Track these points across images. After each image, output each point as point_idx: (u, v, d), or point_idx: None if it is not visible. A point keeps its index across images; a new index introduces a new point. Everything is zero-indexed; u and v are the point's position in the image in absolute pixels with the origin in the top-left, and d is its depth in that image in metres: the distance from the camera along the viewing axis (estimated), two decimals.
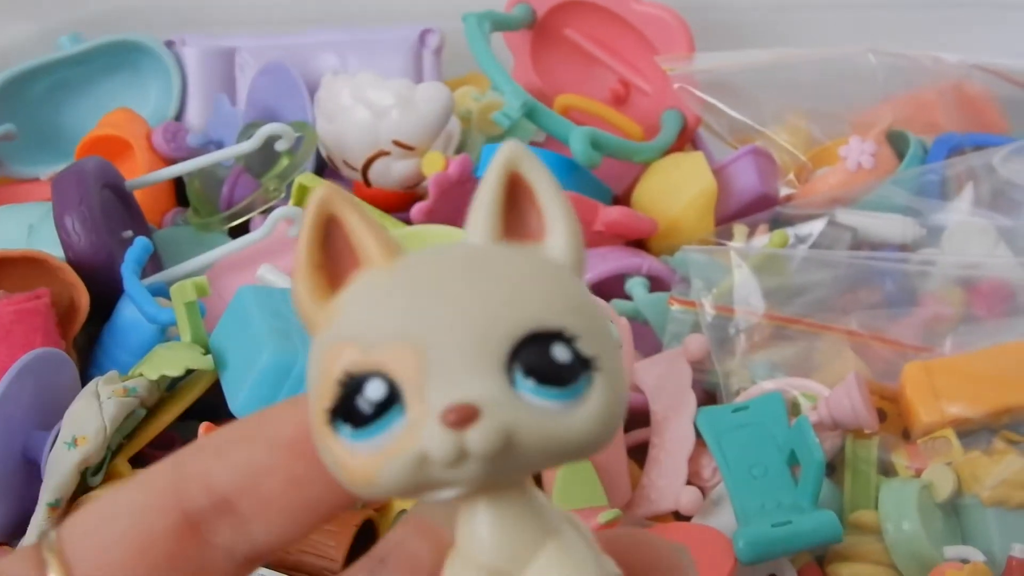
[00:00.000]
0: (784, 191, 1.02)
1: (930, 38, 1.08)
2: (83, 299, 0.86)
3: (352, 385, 0.26)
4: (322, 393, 0.27)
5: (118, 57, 1.13)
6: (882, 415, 0.82)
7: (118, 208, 0.95)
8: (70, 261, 0.88)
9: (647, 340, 0.90)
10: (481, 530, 0.27)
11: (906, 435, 0.82)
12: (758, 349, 0.86)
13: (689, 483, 0.81)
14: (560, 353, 0.26)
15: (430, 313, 0.26)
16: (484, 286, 0.27)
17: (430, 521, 0.30)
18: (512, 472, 0.26)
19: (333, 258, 0.29)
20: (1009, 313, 0.87)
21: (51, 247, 0.89)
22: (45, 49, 1.13)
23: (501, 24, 1.09)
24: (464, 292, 0.27)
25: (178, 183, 1.07)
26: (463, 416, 0.25)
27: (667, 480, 0.81)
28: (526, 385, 0.26)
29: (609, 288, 0.91)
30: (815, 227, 0.95)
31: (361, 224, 0.28)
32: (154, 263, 0.93)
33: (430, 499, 0.27)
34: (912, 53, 1.07)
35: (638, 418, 0.85)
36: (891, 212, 0.96)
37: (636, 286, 0.91)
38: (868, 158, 0.99)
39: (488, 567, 0.27)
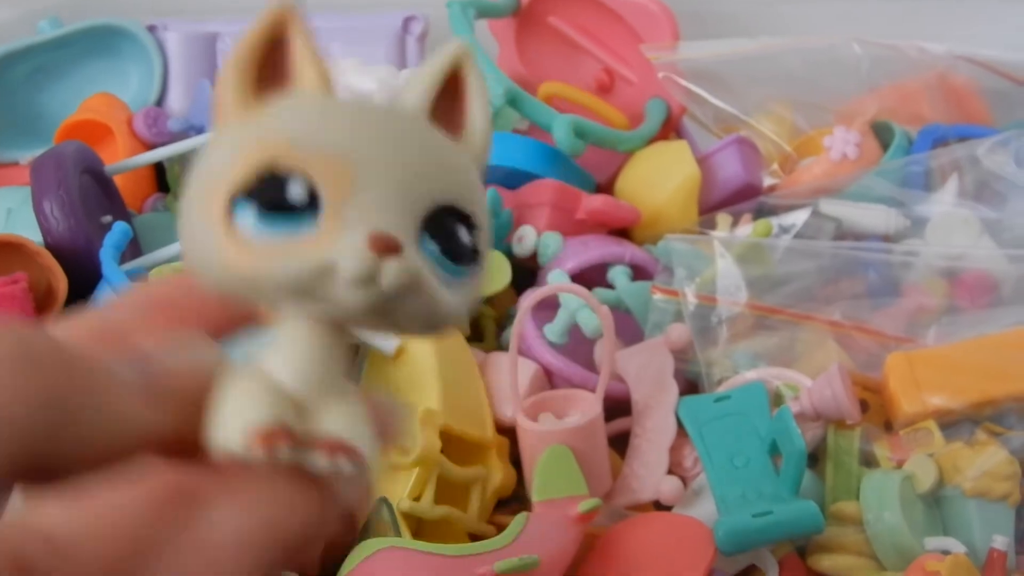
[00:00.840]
0: (768, 181, 1.02)
1: (915, 29, 1.08)
2: (61, 284, 0.86)
3: (270, 179, 0.26)
4: (231, 176, 0.26)
5: (99, 41, 1.13)
6: (864, 406, 0.81)
7: (98, 193, 0.94)
8: (48, 246, 0.87)
9: (629, 329, 0.90)
10: (295, 351, 0.27)
11: (888, 426, 0.81)
12: (740, 339, 0.86)
13: (670, 473, 0.80)
14: (464, 235, 0.27)
15: (372, 140, 0.27)
16: (425, 141, 0.28)
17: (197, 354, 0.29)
18: (386, 320, 0.27)
19: (267, 70, 0.28)
20: (992, 304, 0.87)
21: (30, 232, 0.88)
22: (25, 33, 1.12)
23: (486, 11, 1.08)
24: (406, 137, 0.27)
25: (159, 168, 1.07)
26: (389, 245, 0.26)
27: (648, 470, 0.81)
28: (429, 248, 0.27)
29: (591, 277, 0.90)
30: (799, 217, 0.94)
31: (307, 49, 0.28)
32: (134, 249, 0.93)
33: (288, 306, 0.27)
34: (897, 43, 1.06)
35: (619, 407, 0.85)
36: (875, 203, 0.95)
37: (618, 275, 0.91)
38: (852, 148, 0.99)
39: (284, 390, 0.27)
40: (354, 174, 0.26)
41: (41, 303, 0.85)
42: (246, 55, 0.28)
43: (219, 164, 0.26)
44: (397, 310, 0.27)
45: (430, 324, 0.28)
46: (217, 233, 0.26)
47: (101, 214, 0.93)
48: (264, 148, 0.26)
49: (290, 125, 0.27)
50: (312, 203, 0.26)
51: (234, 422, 0.26)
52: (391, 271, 0.26)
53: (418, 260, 0.26)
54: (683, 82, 1.04)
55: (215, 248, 0.26)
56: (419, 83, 0.30)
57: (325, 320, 0.27)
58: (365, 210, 0.26)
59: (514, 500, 0.82)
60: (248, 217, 0.26)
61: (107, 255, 0.84)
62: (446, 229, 0.27)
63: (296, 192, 0.26)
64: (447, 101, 0.30)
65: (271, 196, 0.26)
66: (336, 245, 0.26)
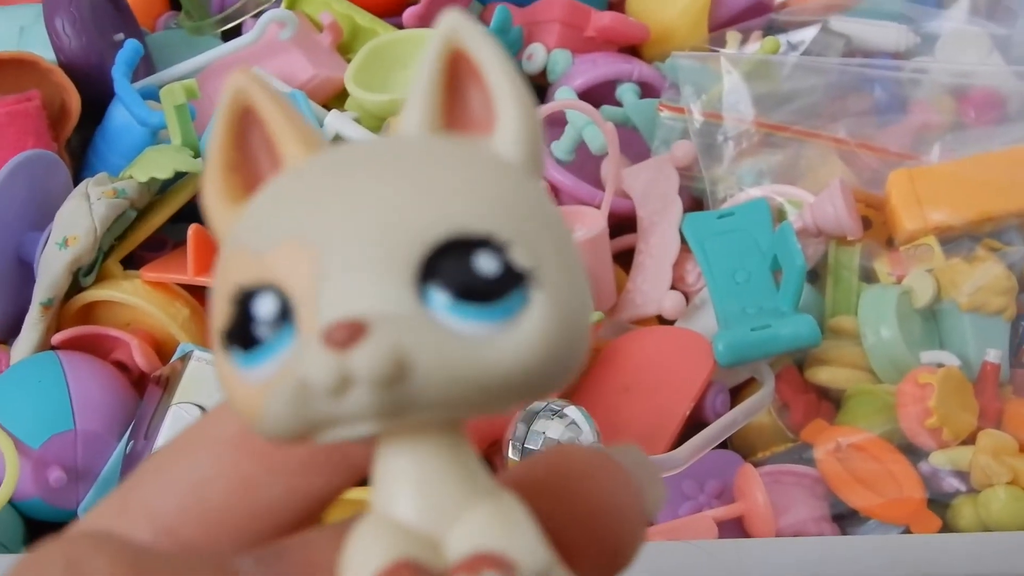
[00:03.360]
0: None
1: None
2: (74, 102, 0.87)
3: (244, 301, 0.22)
4: (217, 313, 0.23)
5: None
6: (867, 223, 0.82)
7: (109, 11, 0.94)
8: (61, 63, 0.88)
9: (636, 146, 0.90)
10: (398, 483, 0.22)
11: (890, 243, 0.82)
12: (746, 156, 0.87)
13: (673, 288, 0.82)
14: (486, 263, 0.21)
15: (330, 211, 0.22)
16: (399, 182, 0.22)
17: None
18: (418, 410, 0.21)
19: (249, 158, 0.25)
20: (997, 121, 0.87)
21: (42, 49, 0.89)
22: None
23: None
24: (374, 188, 0.22)
25: None
26: (348, 333, 0.21)
27: (652, 285, 0.82)
28: (440, 301, 0.21)
29: (599, 94, 0.91)
30: (808, 34, 0.94)
31: (282, 117, 0.24)
32: (146, 67, 0.93)
33: (325, 441, 0.22)
34: None
35: (625, 224, 0.86)
36: (886, 19, 0.95)
37: (626, 92, 0.91)
38: None
39: (406, 527, 0.22)
40: (317, 258, 0.21)
41: (55, 121, 0.86)
42: (217, 149, 0.24)
43: (213, 302, 0.23)
44: (414, 394, 0.21)
45: (481, 393, 0.21)
46: (229, 384, 0.23)
47: (113, 32, 0.93)
48: (229, 273, 0.22)
49: (249, 229, 0.23)
50: (289, 311, 0.22)
51: None
52: (363, 360, 0.20)
53: (410, 326, 0.21)
54: None
55: (234, 404, 0.23)
56: (414, 93, 0.24)
57: (406, 432, 0.22)
58: (337, 296, 0.21)
59: None
60: (238, 358, 0.22)
61: (119, 72, 0.85)
62: (454, 268, 0.21)
63: (266, 309, 0.22)
64: (461, 92, 0.24)
65: (247, 327, 0.22)
66: (304, 357, 0.21)
